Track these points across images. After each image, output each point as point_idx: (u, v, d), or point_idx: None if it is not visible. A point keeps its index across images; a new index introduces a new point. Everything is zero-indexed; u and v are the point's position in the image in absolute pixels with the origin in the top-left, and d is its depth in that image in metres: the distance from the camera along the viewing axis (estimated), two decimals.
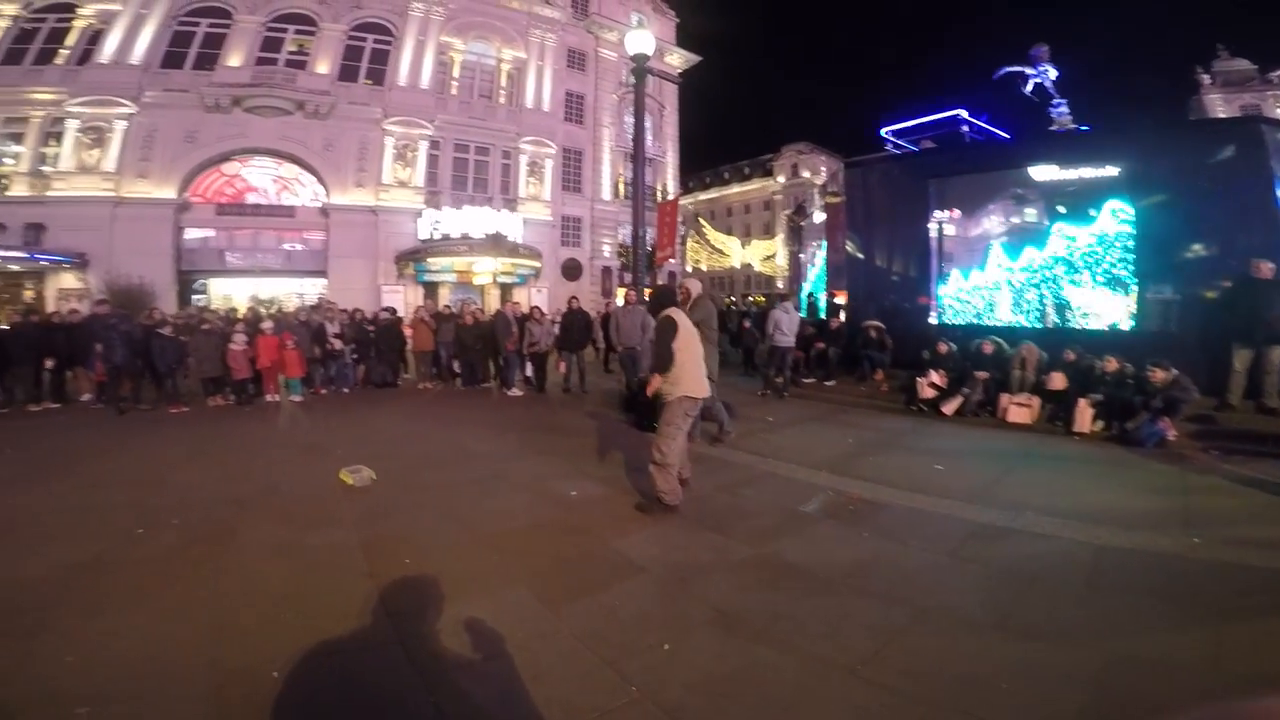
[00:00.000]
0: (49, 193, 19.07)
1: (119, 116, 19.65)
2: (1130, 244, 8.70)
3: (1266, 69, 37.28)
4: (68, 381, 9.96)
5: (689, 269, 43.90)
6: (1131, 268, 8.69)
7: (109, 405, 9.41)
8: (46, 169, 19.42)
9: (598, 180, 28.50)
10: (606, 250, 28.65)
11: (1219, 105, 36.95)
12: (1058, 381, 7.61)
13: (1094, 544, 3.84)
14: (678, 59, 30.91)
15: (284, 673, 2.49)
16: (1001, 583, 3.36)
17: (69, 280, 19.04)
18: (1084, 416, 6.98)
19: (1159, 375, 6.53)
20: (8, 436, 7.33)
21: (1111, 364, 7.15)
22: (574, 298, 11.94)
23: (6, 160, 19.66)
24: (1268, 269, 6.87)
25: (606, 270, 28.61)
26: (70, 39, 20.31)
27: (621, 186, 28.75)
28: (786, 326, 9.38)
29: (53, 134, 19.67)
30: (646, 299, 12.00)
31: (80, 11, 20.36)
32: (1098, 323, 8.93)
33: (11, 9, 19.87)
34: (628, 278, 20.32)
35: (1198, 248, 8.38)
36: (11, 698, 2.34)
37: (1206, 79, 38.36)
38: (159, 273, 19.03)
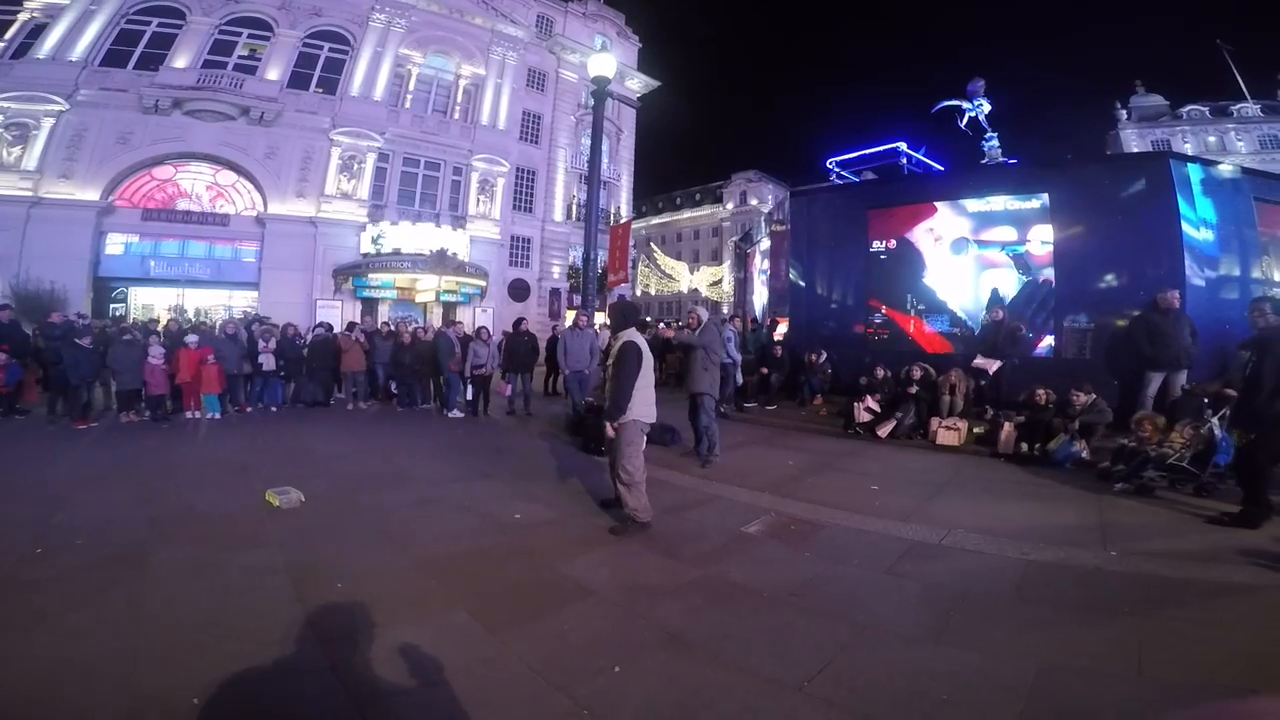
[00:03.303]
0: None
1: (48, 114, 18.44)
2: (1051, 275, 9.20)
3: (1177, 105, 40.60)
4: None
5: (639, 292, 44.21)
6: (1052, 298, 9.19)
7: (7, 417, 8.73)
8: None
9: (550, 201, 28.44)
10: (556, 272, 28.51)
11: (1134, 140, 39.83)
12: (957, 379, 8.24)
13: (1021, 559, 4.04)
14: (637, 83, 31.42)
15: (204, 698, 2.35)
16: (936, 598, 3.47)
17: None
18: (1008, 439, 7.37)
19: (1081, 399, 6.98)
20: None
21: (1039, 395, 7.58)
22: (521, 319, 11.79)
23: None
24: (1174, 299, 7.40)
25: (555, 292, 28.43)
26: (9, 32, 19.07)
27: (574, 208, 28.81)
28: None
29: None
30: (605, 319, 11.93)
31: (26, 4, 19.21)
32: (1025, 349, 9.36)
33: None
34: (577, 300, 20.20)
35: (1110, 278, 8.90)
36: None
37: (1124, 114, 41.39)
38: (73, 279, 17.74)
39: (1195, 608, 3.34)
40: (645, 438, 4.74)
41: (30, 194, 18.06)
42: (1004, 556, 4.09)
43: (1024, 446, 7.26)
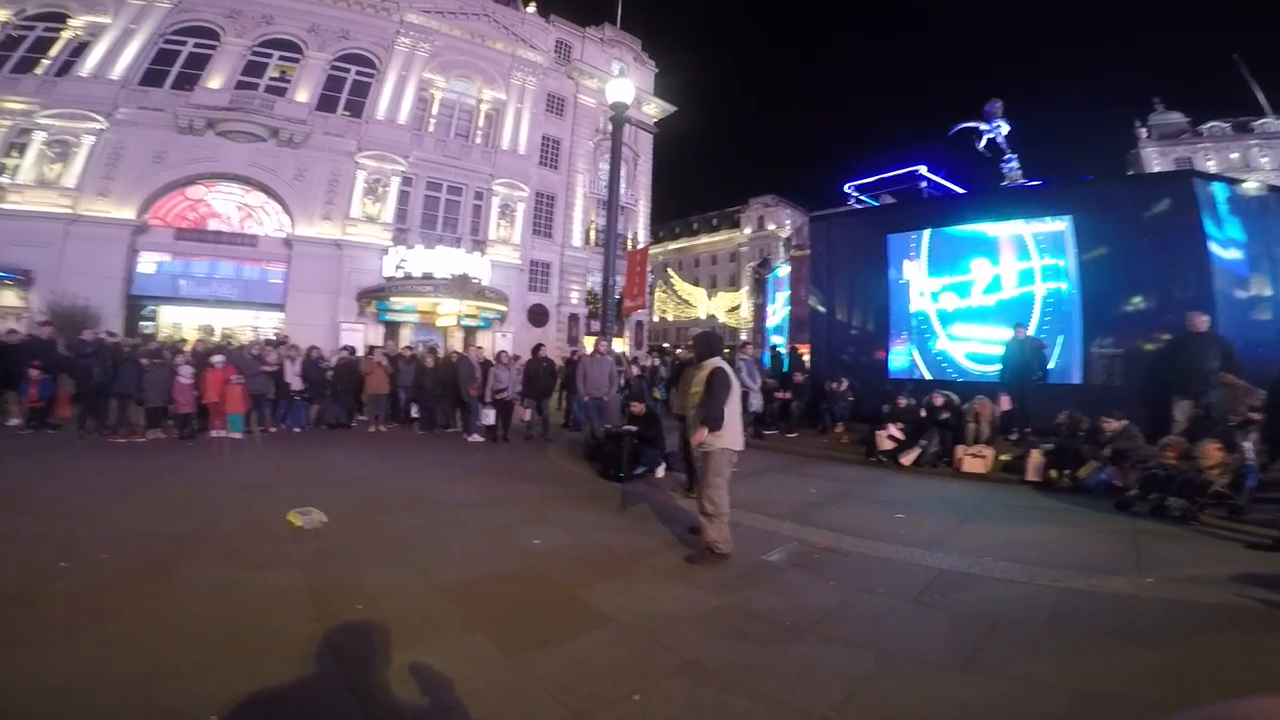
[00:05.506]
0: (1, 205, 18.18)
1: (88, 131, 19.09)
2: (1077, 299, 9.03)
3: (1197, 122, 40.07)
4: None
5: (656, 319, 44.28)
6: (1079, 322, 9.00)
7: (39, 431, 8.93)
8: (3, 180, 18.54)
9: (569, 226, 28.73)
10: (575, 297, 28.63)
11: (1155, 158, 39.28)
12: (981, 406, 8.14)
13: (1053, 587, 3.93)
14: (654, 108, 31.82)
15: (223, 715, 2.34)
16: (964, 626, 3.38)
17: (9, 298, 18.07)
18: (1036, 465, 7.19)
19: (1112, 425, 6.80)
20: None
21: (1062, 417, 7.43)
22: (540, 345, 11.82)
23: None
24: (1202, 322, 7.18)
25: (573, 317, 28.52)
26: (54, 49, 19.94)
27: (593, 233, 29.03)
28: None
29: (17, 145, 18.94)
30: (624, 348, 11.79)
31: (70, 22, 20.08)
32: (1051, 376, 9.16)
33: (1, 15, 19.51)
34: (595, 325, 20.19)
35: (1137, 301, 8.71)
36: None
37: (1143, 132, 40.84)
38: (107, 296, 18.25)
39: (1237, 633, 3.23)
40: (731, 469, 4.67)
41: (69, 211, 18.66)
42: (1035, 584, 3.99)
43: (1053, 474, 7.09)
